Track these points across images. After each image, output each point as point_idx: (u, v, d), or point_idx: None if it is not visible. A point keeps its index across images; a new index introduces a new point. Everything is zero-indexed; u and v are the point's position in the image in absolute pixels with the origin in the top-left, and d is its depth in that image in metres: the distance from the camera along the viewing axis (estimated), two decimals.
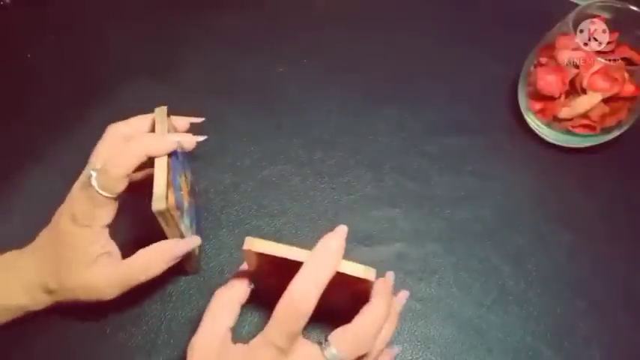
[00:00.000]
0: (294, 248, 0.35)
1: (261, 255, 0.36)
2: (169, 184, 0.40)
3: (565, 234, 0.52)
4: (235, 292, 0.39)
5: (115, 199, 0.41)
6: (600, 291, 0.49)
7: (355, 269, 0.35)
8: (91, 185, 0.40)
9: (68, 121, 0.57)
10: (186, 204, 0.46)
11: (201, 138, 0.46)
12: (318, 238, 0.51)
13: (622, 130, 0.53)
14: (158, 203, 0.39)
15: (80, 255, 0.41)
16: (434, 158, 0.56)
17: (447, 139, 0.57)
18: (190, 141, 0.45)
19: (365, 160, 0.56)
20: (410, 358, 0.46)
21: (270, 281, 0.38)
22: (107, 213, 0.41)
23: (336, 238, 0.35)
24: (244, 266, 0.41)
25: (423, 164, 0.56)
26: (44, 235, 0.43)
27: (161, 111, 0.45)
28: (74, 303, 0.43)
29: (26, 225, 0.44)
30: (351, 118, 0.59)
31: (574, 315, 0.48)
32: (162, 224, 0.41)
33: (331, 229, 0.51)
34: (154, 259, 0.42)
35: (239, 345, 0.36)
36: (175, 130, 0.47)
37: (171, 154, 0.42)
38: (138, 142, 0.41)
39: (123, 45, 0.63)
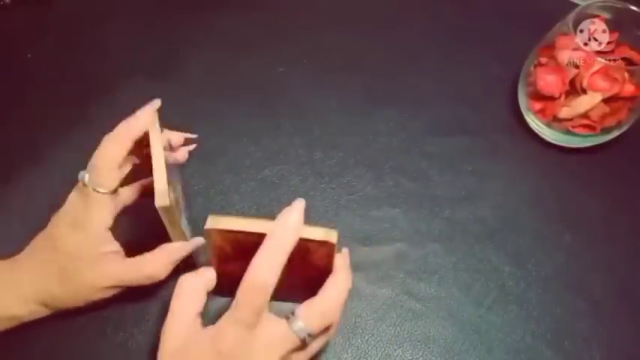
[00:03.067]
0: (257, 220, 0.36)
1: (225, 233, 0.36)
2: (169, 182, 0.40)
3: (565, 234, 0.52)
4: (201, 279, 0.39)
5: (112, 193, 0.41)
6: (600, 291, 0.49)
7: (316, 233, 0.36)
8: (84, 185, 0.40)
9: (68, 121, 0.57)
10: (182, 205, 0.46)
11: (191, 135, 0.47)
12: None
13: (622, 130, 0.53)
14: (161, 199, 0.39)
15: (84, 259, 0.41)
16: (434, 158, 0.56)
17: (447, 139, 0.57)
18: (178, 137, 0.46)
19: (365, 160, 0.56)
20: (410, 358, 0.46)
21: (235, 264, 0.37)
22: (106, 213, 0.41)
23: (293, 212, 0.35)
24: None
25: (423, 164, 0.56)
26: (40, 245, 0.43)
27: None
28: (73, 309, 0.43)
29: (26, 225, 0.44)
30: (351, 118, 0.59)
31: (574, 315, 0.48)
32: (166, 222, 0.41)
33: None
34: (160, 261, 0.42)
35: (208, 328, 0.36)
36: (169, 144, 0.47)
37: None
38: (117, 129, 0.41)
39: (123, 45, 0.63)
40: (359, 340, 0.47)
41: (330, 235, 0.36)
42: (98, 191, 0.40)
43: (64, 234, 0.41)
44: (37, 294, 0.42)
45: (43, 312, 0.43)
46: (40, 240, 0.43)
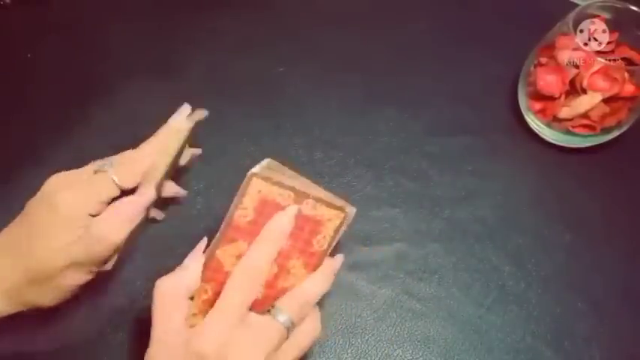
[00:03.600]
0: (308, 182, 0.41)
1: (269, 185, 0.39)
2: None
3: (565, 234, 0.52)
4: (182, 281, 0.36)
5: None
6: (600, 291, 0.49)
7: (335, 199, 0.39)
8: (98, 172, 0.41)
9: (68, 121, 0.57)
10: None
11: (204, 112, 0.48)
12: None
13: (622, 130, 0.53)
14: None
15: (60, 238, 0.39)
16: (434, 158, 0.56)
17: (447, 139, 0.57)
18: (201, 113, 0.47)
19: (365, 160, 0.56)
20: (410, 358, 0.46)
21: (236, 247, 0.38)
22: (102, 199, 0.40)
23: (287, 215, 0.38)
24: (199, 247, 0.39)
25: (423, 164, 0.56)
26: (13, 230, 0.41)
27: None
28: (38, 308, 0.41)
29: None
30: (351, 118, 0.58)
31: (574, 315, 0.48)
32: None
33: None
34: (113, 219, 0.40)
35: (196, 328, 0.35)
36: None
37: None
38: (168, 144, 0.44)
39: (123, 45, 0.63)
40: (359, 340, 0.47)
41: (349, 207, 0.39)
42: (117, 184, 0.41)
43: (43, 217, 0.39)
44: (8, 286, 0.39)
45: (9, 308, 0.40)
46: (14, 227, 0.41)
